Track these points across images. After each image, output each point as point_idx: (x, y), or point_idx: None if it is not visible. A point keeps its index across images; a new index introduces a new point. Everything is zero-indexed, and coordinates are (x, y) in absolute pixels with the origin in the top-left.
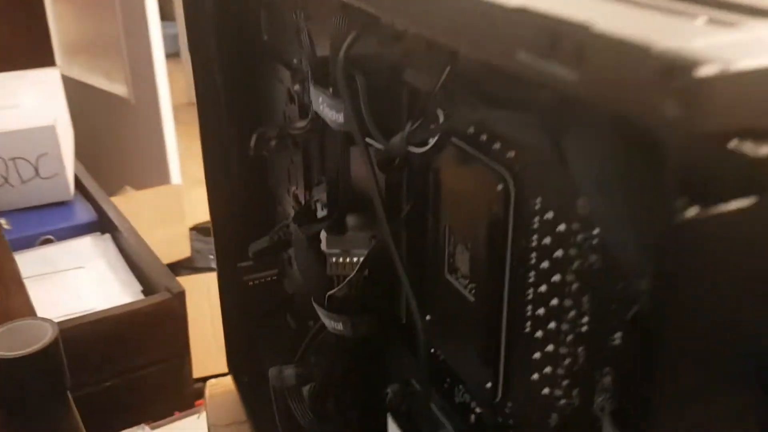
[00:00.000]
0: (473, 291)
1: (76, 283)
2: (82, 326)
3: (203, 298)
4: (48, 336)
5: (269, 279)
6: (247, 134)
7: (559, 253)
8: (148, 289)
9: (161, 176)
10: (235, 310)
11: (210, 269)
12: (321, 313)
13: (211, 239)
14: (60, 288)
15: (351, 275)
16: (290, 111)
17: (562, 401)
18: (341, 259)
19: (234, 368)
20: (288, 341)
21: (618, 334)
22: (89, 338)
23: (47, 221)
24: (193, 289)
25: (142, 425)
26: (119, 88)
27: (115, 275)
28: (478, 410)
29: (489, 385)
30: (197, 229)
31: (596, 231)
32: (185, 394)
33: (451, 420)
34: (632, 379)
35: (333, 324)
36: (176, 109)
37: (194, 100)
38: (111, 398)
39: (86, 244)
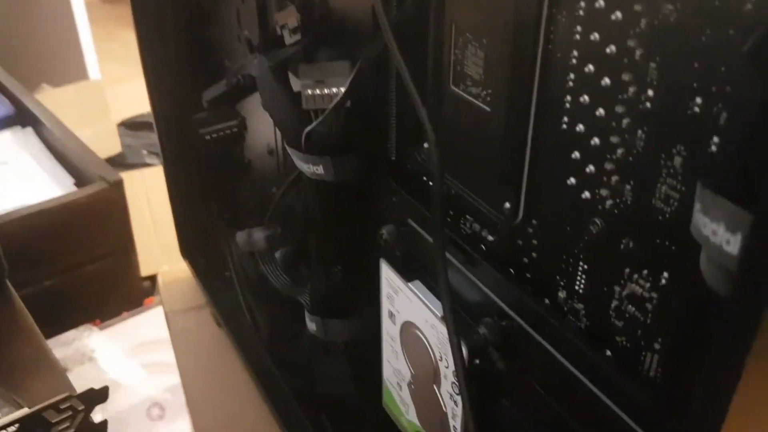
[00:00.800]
0: (489, 98)
1: None
2: (15, 222)
3: (141, 195)
4: None
5: (225, 133)
6: None
7: (617, 14)
8: (81, 182)
9: (78, 72)
10: (185, 185)
11: (144, 164)
12: (297, 157)
13: (143, 133)
14: None
15: (335, 102)
16: None
17: (609, 202)
18: (318, 91)
19: (187, 252)
20: (246, 215)
21: (698, 101)
22: (23, 234)
23: None
24: (129, 185)
25: (89, 325)
26: None
27: (42, 169)
28: (490, 238)
29: (507, 205)
30: (125, 125)
31: None
32: (133, 292)
33: (458, 254)
34: (741, 138)
35: (312, 168)
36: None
37: None
38: (54, 298)
39: (6, 139)
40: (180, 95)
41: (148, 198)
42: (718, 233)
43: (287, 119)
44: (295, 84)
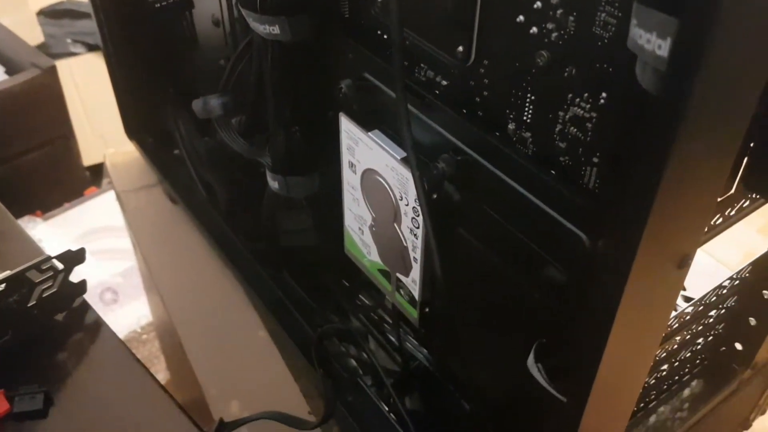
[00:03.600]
0: None
1: None
2: None
3: (70, 85)
4: None
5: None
6: None
7: None
8: (11, 70)
9: None
10: (127, 64)
11: (69, 54)
12: (252, 18)
13: (65, 21)
14: None
15: None
16: None
17: (555, 34)
18: None
19: (134, 132)
20: (193, 90)
21: None
22: None
23: None
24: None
25: (32, 216)
26: None
27: None
28: (443, 83)
29: (460, 48)
30: (44, 13)
31: None
32: (75, 181)
33: (415, 100)
34: None
35: (268, 29)
36: None
37: None
38: None
39: None
40: None
41: (78, 88)
42: (652, 41)
43: None
44: None
